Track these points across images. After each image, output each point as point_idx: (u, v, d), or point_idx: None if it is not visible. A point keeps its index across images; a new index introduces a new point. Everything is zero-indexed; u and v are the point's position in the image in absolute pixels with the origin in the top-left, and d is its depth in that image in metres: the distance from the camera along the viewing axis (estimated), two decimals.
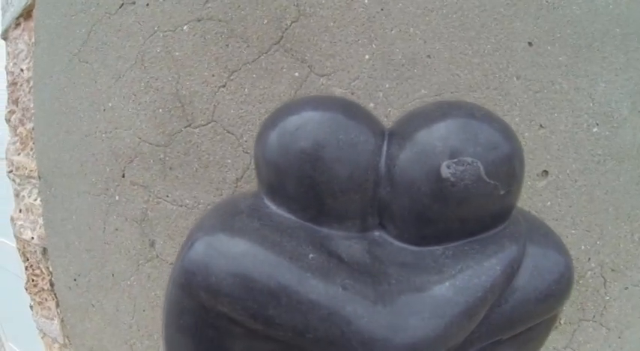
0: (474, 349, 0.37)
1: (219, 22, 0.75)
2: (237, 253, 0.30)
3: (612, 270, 0.89)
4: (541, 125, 0.74)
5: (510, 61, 0.70)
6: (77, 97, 1.05)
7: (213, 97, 0.79)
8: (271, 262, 0.31)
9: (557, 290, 0.38)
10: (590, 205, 0.81)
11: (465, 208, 0.33)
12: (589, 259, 0.87)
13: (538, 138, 0.74)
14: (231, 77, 0.77)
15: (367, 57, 0.68)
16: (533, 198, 0.77)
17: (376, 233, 0.35)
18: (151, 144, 0.88)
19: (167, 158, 0.86)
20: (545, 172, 0.77)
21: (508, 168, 0.34)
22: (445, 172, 0.31)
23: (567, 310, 0.87)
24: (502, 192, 0.33)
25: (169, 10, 0.81)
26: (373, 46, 0.68)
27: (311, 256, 0.31)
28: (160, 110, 0.85)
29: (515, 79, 0.71)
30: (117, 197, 0.98)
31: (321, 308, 0.31)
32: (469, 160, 0.31)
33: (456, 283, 0.33)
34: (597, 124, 0.76)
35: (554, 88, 0.73)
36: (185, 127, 0.82)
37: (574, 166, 0.78)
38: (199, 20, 0.77)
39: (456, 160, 0.31)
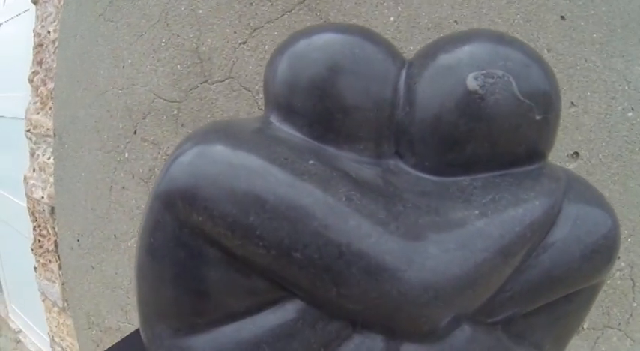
0: (505, 314, 0.33)
1: None
2: (224, 157, 0.27)
3: None
4: (572, 103, 0.70)
5: (541, 33, 0.68)
6: (99, 55, 1.06)
7: (232, 53, 0.78)
8: (260, 163, 0.28)
9: (605, 247, 0.33)
10: (623, 196, 0.75)
11: (495, 127, 0.29)
12: (618, 257, 0.79)
13: (569, 116, 0.71)
14: (253, 34, 0.76)
15: (392, 19, 0.66)
16: None
17: (391, 162, 0.32)
18: (165, 100, 0.87)
19: (180, 114, 0.85)
20: (576, 153, 0.73)
21: (544, 90, 0.31)
22: (472, 83, 0.29)
23: (592, 313, 0.82)
24: (538, 117, 0.30)
25: None
26: (399, 8, 0.67)
27: (311, 162, 0.28)
28: (179, 66, 0.85)
29: (545, 51, 0.68)
30: (126, 154, 0.98)
31: (316, 218, 0.26)
32: (499, 72, 0.28)
33: (487, 212, 0.28)
34: (632, 109, 0.71)
35: (588, 66, 0.69)
36: (202, 83, 0.81)
37: (607, 151, 0.73)
38: None
39: (484, 71, 0.28)
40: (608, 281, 0.79)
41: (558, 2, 0.68)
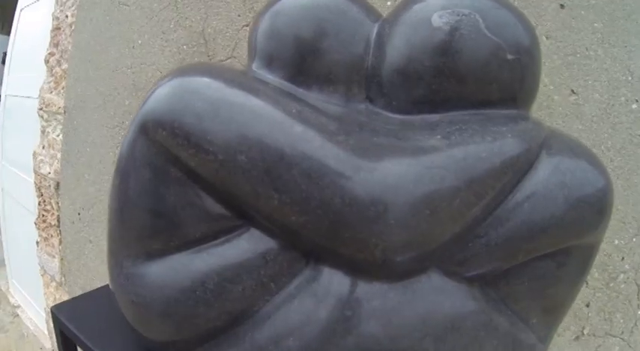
0: (482, 268, 0.30)
1: None
2: (199, 87, 0.30)
3: None
4: (572, 90, 0.70)
5: (539, 20, 0.68)
6: (111, 37, 1.11)
7: (235, 34, 0.82)
8: (221, 84, 0.30)
9: (594, 197, 0.30)
10: (628, 192, 0.72)
11: (461, 62, 0.29)
12: (622, 258, 0.77)
13: (569, 104, 0.70)
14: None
15: (389, 4, 0.69)
16: None
17: (361, 105, 0.34)
18: None
19: None
20: None
21: (515, 31, 0.31)
22: (437, 21, 0.30)
23: (593, 318, 0.78)
24: (510, 56, 0.30)
25: None
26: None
27: (271, 87, 0.31)
28: (185, 47, 0.89)
29: (544, 38, 0.69)
30: None
31: (262, 122, 0.27)
32: (466, 11, 0.29)
33: (451, 137, 0.28)
34: (637, 101, 0.70)
35: (588, 54, 0.69)
36: (204, 62, 0.84)
37: (610, 143, 0.71)
38: None
39: (450, 10, 0.29)
40: (611, 284, 0.75)
41: None
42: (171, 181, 0.32)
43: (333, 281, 0.28)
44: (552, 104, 0.71)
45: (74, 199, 1.30)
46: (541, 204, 0.29)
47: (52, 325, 1.59)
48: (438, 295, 0.29)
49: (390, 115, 0.32)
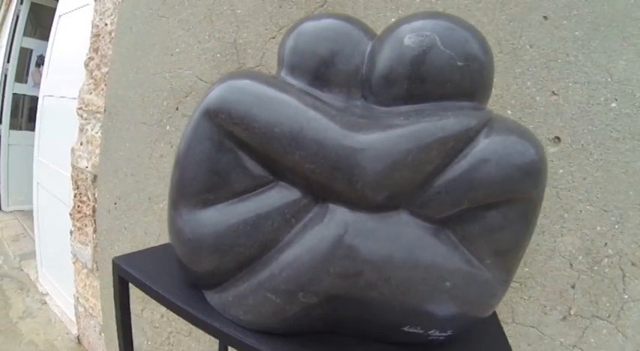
0: (438, 210, 0.42)
1: None
2: (244, 86, 0.47)
3: (633, 264, 0.84)
4: (553, 92, 0.80)
5: (524, 31, 0.79)
6: (151, 45, 1.29)
7: (263, 46, 0.98)
8: (262, 85, 0.47)
9: (523, 163, 0.43)
10: (607, 182, 0.80)
11: (423, 69, 0.43)
12: (605, 244, 0.84)
13: (550, 104, 0.80)
14: (281, 31, 0.96)
15: (393, 20, 0.84)
16: None
17: (358, 102, 0.49)
18: (205, 82, 1.08)
19: None
20: (557, 138, 0.81)
21: (465, 45, 0.44)
22: (407, 41, 0.43)
23: (579, 300, 0.86)
24: (459, 63, 0.44)
25: None
26: (399, 12, 0.84)
27: (295, 87, 0.47)
28: (218, 55, 1.06)
29: (528, 46, 0.80)
30: (167, 127, 1.20)
31: (291, 108, 0.43)
32: (427, 33, 0.44)
33: (409, 118, 0.42)
34: (616, 100, 0.78)
35: (569, 60, 0.78)
36: (236, 69, 1.01)
37: (589, 137, 0.79)
38: None
39: (416, 33, 0.44)
40: (595, 267, 0.83)
41: (542, 4, 0.79)
42: (225, 149, 0.47)
43: (334, 212, 0.43)
44: (534, 104, 0.82)
45: (111, 190, 1.48)
46: (478, 165, 0.42)
47: (80, 309, 1.76)
48: (405, 227, 0.42)
49: (377, 107, 0.47)
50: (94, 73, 1.69)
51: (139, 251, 0.72)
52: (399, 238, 0.41)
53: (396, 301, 0.42)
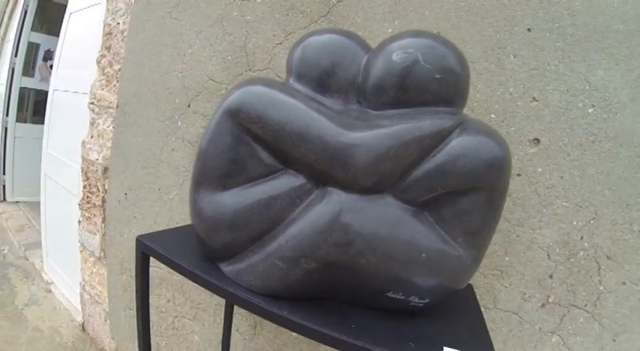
0: (417, 194, 0.52)
1: None
2: (260, 91, 0.57)
3: (608, 257, 0.90)
4: (534, 98, 0.88)
5: (509, 42, 0.88)
6: (163, 45, 1.39)
7: (271, 50, 1.08)
8: (276, 92, 0.57)
9: (485, 157, 0.52)
10: (583, 181, 0.87)
11: (407, 81, 0.54)
12: (581, 237, 0.90)
13: (531, 108, 0.89)
14: (287, 37, 1.06)
15: (390, 30, 0.94)
16: (523, 162, 0.90)
17: (354, 106, 0.59)
18: (216, 82, 1.19)
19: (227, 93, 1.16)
20: (537, 139, 0.89)
21: (442, 60, 0.54)
22: (395, 57, 0.54)
23: (557, 288, 0.93)
24: (437, 75, 0.54)
25: None
26: (395, 23, 0.94)
27: (303, 95, 0.58)
28: (229, 57, 1.16)
29: (512, 56, 0.89)
30: (179, 123, 1.30)
31: (299, 111, 0.54)
32: (411, 50, 0.54)
33: (394, 120, 0.53)
34: (593, 106, 0.85)
35: (550, 68, 0.87)
36: (246, 71, 1.12)
37: (567, 140, 0.87)
38: None
39: (402, 50, 0.54)
40: (572, 259, 0.90)
41: (526, 17, 0.87)
42: (243, 143, 0.57)
43: (332, 194, 0.53)
44: (516, 109, 0.90)
45: (122, 181, 1.58)
46: (450, 159, 0.52)
47: (85, 297, 1.87)
48: (389, 207, 0.52)
49: (369, 111, 0.57)
50: (105, 70, 1.80)
51: (158, 231, 0.82)
52: (384, 216, 0.52)
53: (380, 267, 0.52)
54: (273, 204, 0.56)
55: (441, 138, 0.53)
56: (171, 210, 1.37)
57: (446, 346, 0.53)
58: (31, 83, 3.79)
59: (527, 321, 0.95)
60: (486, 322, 0.86)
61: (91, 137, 1.84)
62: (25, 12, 3.62)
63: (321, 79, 0.59)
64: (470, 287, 0.89)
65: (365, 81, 0.58)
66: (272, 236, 0.57)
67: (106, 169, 1.71)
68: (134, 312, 1.60)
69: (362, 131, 0.52)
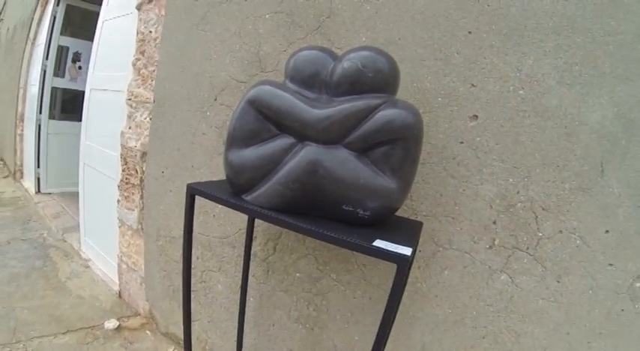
0: (359, 145, 0.96)
1: (287, 15, 1.52)
2: (268, 89, 1.03)
3: (543, 209, 1.09)
4: (472, 84, 1.20)
5: (453, 43, 1.23)
6: (192, 51, 1.87)
7: (278, 56, 1.55)
8: (278, 89, 1.04)
9: (400, 120, 0.93)
10: (516, 146, 1.11)
11: (353, 78, 0.95)
12: (518, 192, 1.12)
13: (470, 93, 1.20)
14: (290, 46, 1.52)
15: (364, 39, 1.39)
16: (465, 133, 1.21)
17: (324, 96, 1.05)
18: (236, 81, 1.65)
19: (245, 89, 1.62)
20: (475, 116, 1.20)
21: (374, 65, 0.98)
22: (345, 64, 1.01)
23: (500, 233, 1.15)
24: (370, 75, 0.98)
25: (258, 5, 1.61)
26: (368, 33, 1.38)
27: (293, 89, 1.04)
28: (246, 61, 1.63)
29: (456, 54, 1.23)
30: (208, 113, 1.77)
31: (287, 100, 0.98)
32: (355, 60, 1.00)
33: (343, 103, 0.97)
34: (523, 89, 1.11)
35: (486, 61, 1.17)
36: (259, 72, 1.59)
37: (500, 114, 1.15)
38: (275, 13, 1.55)
39: (349, 60, 1.00)
40: (511, 209, 1.12)
41: (468, 22, 1.19)
42: (258, 119, 1.06)
43: (308, 146, 1.00)
44: (458, 93, 1.23)
45: (159, 162, 2.07)
46: (377, 122, 0.96)
47: (123, 267, 2.44)
48: (340, 152, 0.98)
49: (332, 98, 1.03)
50: (141, 71, 2.29)
51: (200, 182, 1.28)
52: (337, 157, 0.99)
53: (336, 186, 0.99)
54: (275, 154, 1.03)
55: (370, 110, 0.98)
56: (202, 180, 1.84)
57: (379, 240, 0.97)
58: (61, 83, 4.38)
59: (479, 260, 1.20)
60: (444, 260, 1.23)
61: (129, 128, 2.34)
62: (54, 17, 4.19)
63: (305, 80, 1.05)
64: (420, 224, 1.28)
65: (330, 80, 1.03)
66: (274, 173, 1.04)
67: (144, 154, 2.20)
68: (168, 273, 2.10)
69: (322, 109, 0.99)
